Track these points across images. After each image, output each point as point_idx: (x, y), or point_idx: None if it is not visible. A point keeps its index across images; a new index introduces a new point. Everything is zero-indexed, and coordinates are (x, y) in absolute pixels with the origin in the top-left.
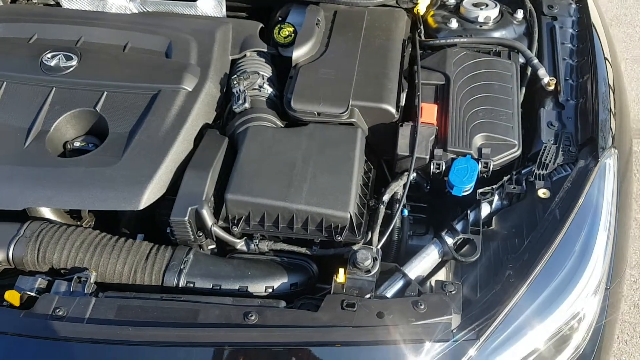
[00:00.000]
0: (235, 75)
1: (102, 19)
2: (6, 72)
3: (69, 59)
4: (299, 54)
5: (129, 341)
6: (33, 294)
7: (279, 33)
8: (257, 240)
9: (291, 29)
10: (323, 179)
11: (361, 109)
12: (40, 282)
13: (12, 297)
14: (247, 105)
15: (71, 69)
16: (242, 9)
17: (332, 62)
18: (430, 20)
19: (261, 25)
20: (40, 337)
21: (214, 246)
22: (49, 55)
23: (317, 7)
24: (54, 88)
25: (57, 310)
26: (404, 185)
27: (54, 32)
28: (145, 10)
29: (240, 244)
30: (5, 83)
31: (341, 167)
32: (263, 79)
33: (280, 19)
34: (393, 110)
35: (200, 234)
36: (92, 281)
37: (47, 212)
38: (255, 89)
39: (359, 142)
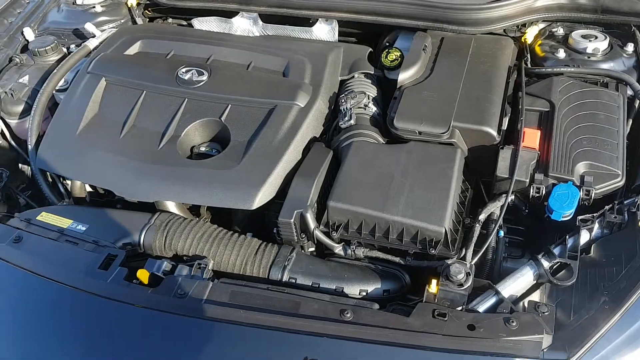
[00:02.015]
0: (344, 94)
1: (229, 40)
2: (146, 82)
3: (200, 74)
4: (404, 76)
5: (240, 322)
6: (160, 275)
7: (386, 57)
8: (354, 246)
9: (398, 54)
10: (420, 194)
11: (462, 130)
12: (166, 265)
13: (143, 275)
14: (352, 121)
15: (202, 83)
16: (353, 34)
17: (436, 85)
18: (537, 49)
19: (370, 49)
20: (163, 311)
21: (313, 248)
22: (183, 70)
23: (424, 34)
24: (186, 99)
25: (179, 290)
26: (502, 206)
27: (188, 49)
28: (266, 34)
29: (338, 249)
30: (144, 92)
31: (438, 184)
32: (369, 98)
33: (387, 44)
34: (494, 133)
35: (303, 235)
36: (209, 268)
37: (172, 206)
38: (360, 107)
39: (458, 161)
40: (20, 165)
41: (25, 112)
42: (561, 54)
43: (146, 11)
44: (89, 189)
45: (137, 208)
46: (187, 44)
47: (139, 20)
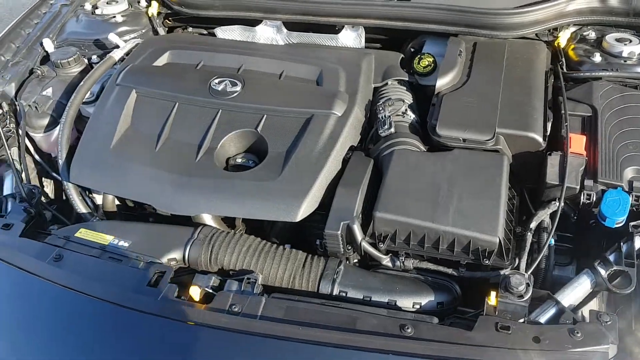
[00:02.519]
0: (381, 102)
1: (258, 49)
2: (179, 93)
3: (234, 84)
4: (442, 82)
5: (298, 339)
6: (209, 290)
7: (418, 63)
8: (403, 258)
9: (431, 59)
10: (470, 203)
11: (507, 136)
12: (214, 280)
13: (195, 292)
14: (392, 130)
15: (236, 93)
16: (377, 40)
17: (475, 91)
18: (571, 53)
19: (402, 55)
20: (219, 328)
21: (357, 260)
22: (216, 81)
23: (458, 39)
24: (220, 110)
25: (233, 306)
26: (552, 213)
27: (218, 59)
28: (290, 42)
29: (386, 260)
30: (177, 103)
31: (488, 192)
32: (406, 105)
33: (412, 49)
34: (540, 139)
35: (349, 247)
36: (259, 283)
37: (207, 219)
38: (399, 115)
39: (505, 168)
40: (43, 179)
41: (51, 126)
42: (597, 58)
43: (166, 20)
44: (116, 202)
45: (170, 221)
46: (216, 54)
47: (160, 30)
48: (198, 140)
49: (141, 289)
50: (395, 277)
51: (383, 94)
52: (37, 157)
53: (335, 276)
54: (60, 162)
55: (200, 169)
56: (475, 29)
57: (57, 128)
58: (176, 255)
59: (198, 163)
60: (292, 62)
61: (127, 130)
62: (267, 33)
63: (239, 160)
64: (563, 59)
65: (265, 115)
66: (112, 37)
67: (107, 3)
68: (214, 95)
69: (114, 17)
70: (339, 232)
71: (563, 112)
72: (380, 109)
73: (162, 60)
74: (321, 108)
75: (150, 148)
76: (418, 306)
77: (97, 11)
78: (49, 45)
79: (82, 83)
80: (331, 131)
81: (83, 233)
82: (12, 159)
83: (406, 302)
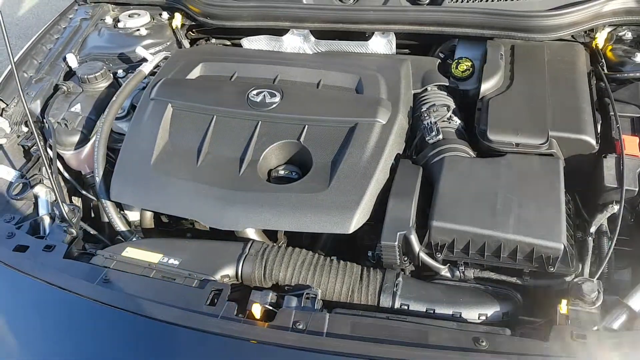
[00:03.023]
0: (425, 108)
1: (292, 58)
2: (215, 106)
3: (272, 95)
4: (486, 86)
5: (369, 356)
6: (269, 307)
7: (456, 67)
8: (463, 267)
9: (469, 63)
10: (530, 209)
11: (559, 139)
12: (272, 296)
13: (257, 309)
14: (440, 136)
15: (275, 104)
16: (406, 46)
17: (521, 94)
18: (609, 54)
19: (438, 60)
20: (285, 346)
21: (409, 271)
22: (254, 92)
23: (497, 42)
24: (260, 121)
25: (297, 323)
26: (610, 217)
27: (252, 71)
28: (318, 50)
29: (444, 270)
30: (215, 116)
31: (548, 198)
32: (450, 111)
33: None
34: (593, 141)
35: (405, 258)
36: (319, 298)
37: (251, 233)
38: (444, 121)
39: (561, 172)
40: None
41: (81, 143)
42: (638, 58)
43: (190, 32)
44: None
45: (210, 235)
46: (249, 65)
47: (185, 42)
48: (239, 154)
49: (200, 308)
50: (457, 288)
51: (425, 100)
52: (66, 174)
53: (395, 289)
54: (98, 179)
55: (246, 183)
56: (512, 31)
57: (88, 145)
58: (229, 271)
59: (242, 176)
60: (329, 70)
61: (165, 146)
62: (294, 42)
63: (281, 172)
64: (603, 60)
65: (306, 126)
66: (140, 51)
67: (129, 16)
68: (252, 106)
69: (138, 30)
70: (396, 243)
71: (612, 113)
72: (426, 115)
73: (195, 73)
74: (365, 116)
75: (191, 163)
76: (484, 317)
77: (120, 24)
78: (72, 60)
79: (114, 98)
80: (377, 140)
81: (130, 252)
82: (50, 178)
83: (471, 314)
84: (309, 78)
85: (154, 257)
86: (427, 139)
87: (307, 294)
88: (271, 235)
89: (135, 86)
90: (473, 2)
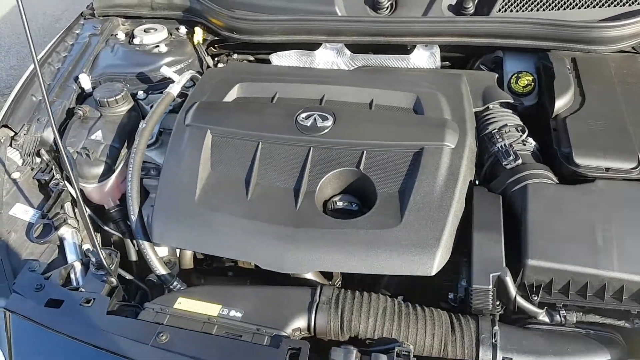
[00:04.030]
0: (496, 129)
1: (336, 76)
2: (261, 132)
3: (324, 119)
4: (560, 104)
5: None
6: None
7: (516, 82)
8: (564, 311)
9: (530, 78)
10: (634, 242)
11: None
12: (356, 354)
13: None
14: (520, 161)
15: (328, 129)
16: (445, 58)
17: (598, 112)
18: None
19: (497, 75)
20: None
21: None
22: (303, 115)
23: (560, 55)
24: (311, 148)
25: None
26: None
27: (294, 91)
28: (354, 65)
29: (542, 315)
30: (260, 143)
31: None
32: (526, 132)
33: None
34: None
35: (498, 303)
36: (412, 355)
37: (308, 273)
38: (519, 144)
39: None
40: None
41: (105, 174)
42: None
43: (211, 48)
44: None
45: (258, 275)
46: (290, 84)
47: (208, 59)
48: (292, 184)
49: None
50: (556, 334)
51: (490, 119)
52: (88, 210)
53: (493, 340)
54: (133, 218)
55: (305, 218)
56: (571, 43)
57: (112, 177)
58: (300, 324)
59: (300, 210)
60: (381, 89)
61: (209, 177)
62: (327, 57)
63: (339, 204)
64: None
65: (365, 152)
66: (165, 70)
67: (144, 31)
68: (302, 131)
69: (157, 46)
70: (491, 286)
71: None
72: (498, 137)
73: (232, 95)
74: (431, 140)
75: (240, 196)
76: None
77: (136, 40)
78: (85, 81)
79: (143, 125)
80: (448, 166)
81: (183, 303)
82: (76, 217)
83: None
84: (359, 98)
85: (212, 309)
86: (504, 164)
87: (398, 350)
88: (325, 273)
89: (165, 110)
90: (524, 12)
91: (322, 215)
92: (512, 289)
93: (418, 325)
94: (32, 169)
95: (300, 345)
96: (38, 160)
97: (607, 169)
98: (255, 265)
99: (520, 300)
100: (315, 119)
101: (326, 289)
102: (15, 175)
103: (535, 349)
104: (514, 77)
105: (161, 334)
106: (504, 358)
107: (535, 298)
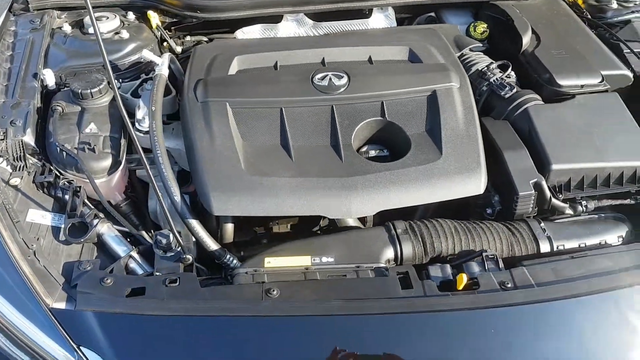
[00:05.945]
0: (485, 68)
1: (327, 41)
2: (280, 97)
3: (339, 77)
4: (526, 41)
5: (592, 291)
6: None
7: (475, 30)
8: (585, 202)
9: (485, 26)
10: (620, 138)
11: (606, 77)
12: (450, 268)
13: (461, 280)
14: (515, 89)
15: (345, 86)
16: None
17: (554, 45)
18: (582, 5)
19: (458, 26)
20: (513, 304)
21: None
22: (319, 77)
23: (508, 4)
24: (333, 105)
25: (504, 283)
26: None
27: (293, 57)
28: (318, 33)
29: (567, 209)
30: (282, 108)
31: (627, 126)
32: (509, 67)
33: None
34: (631, 74)
35: (535, 206)
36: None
37: (351, 220)
38: (507, 77)
39: (623, 103)
40: None
41: (113, 167)
42: (614, 4)
43: (167, 31)
44: None
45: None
46: (286, 52)
47: (171, 42)
48: (328, 141)
49: (398, 294)
50: (582, 221)
51: (470, 62)
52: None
53: (546, 234)
54: (177, 199)
55: (355, 167)
56: None
57: (119, 169)
58: (388, 255)
59: (346, 162)
60: (375, 46)
61: (245, 147)
62: (290, 28)
63: (372, 152)
64: (585, 11)
65: (384, 102)
66: (147, 54)
67: (97, 20)
68: (321, 91)
69: (118, 33)
70: (533, 191)
71: (626, 51)
72: (490, 74)
73: (233, 69)
74: (440, 83)
75: (285, 160)
76: (621, 238)
77: (91, 30)
78: (50, 77)
79: (152, 108)
80: (462, 102)
81: (272, 262)
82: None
83: (613, 238)
84: (357, 56)
85: (303, 260)
86: (502, 94)
87: (485, 255)
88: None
89: (163, 91)
90: None
91: (369, 162)
92: (548, 191)
93: (487, 235)
94: (29, 173)
95: (406, 269)
96: (34, 160)
97: (582, 86)
98: (291, 227)
99: (554, 200)
100: (330, 78)
101: (398, 224)
102: (15, 181)
103: (576, 235)
104: (471, 26)
105: (271, 290)
106: (558, 246)
107: (561, 196)
